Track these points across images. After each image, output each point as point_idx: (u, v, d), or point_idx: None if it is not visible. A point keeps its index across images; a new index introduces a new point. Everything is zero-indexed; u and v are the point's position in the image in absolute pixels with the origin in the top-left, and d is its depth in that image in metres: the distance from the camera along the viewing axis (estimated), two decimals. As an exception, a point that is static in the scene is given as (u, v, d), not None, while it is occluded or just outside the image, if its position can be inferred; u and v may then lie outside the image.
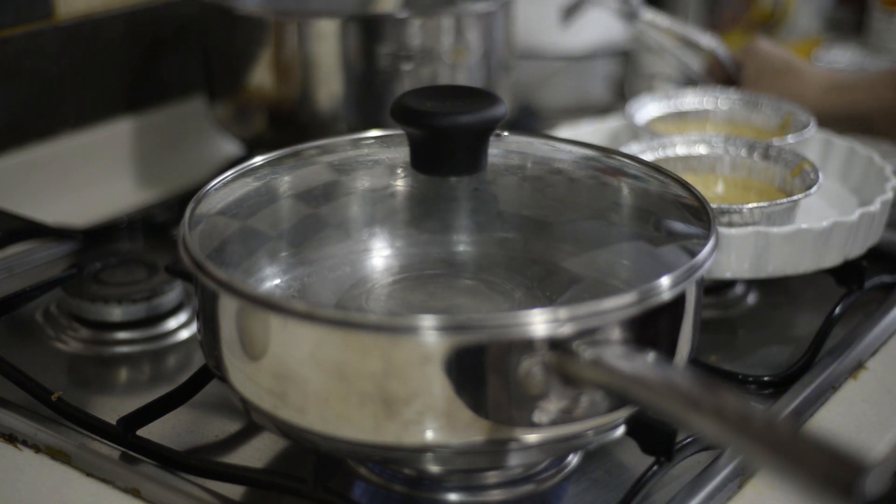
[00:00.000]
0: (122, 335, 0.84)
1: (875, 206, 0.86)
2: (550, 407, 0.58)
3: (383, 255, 0.81)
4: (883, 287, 0.90)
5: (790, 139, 0.94)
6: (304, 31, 1.00)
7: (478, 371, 0.57)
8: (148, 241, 0.98)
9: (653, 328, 0.61)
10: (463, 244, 0.82)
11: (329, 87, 1.01)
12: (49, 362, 0.81)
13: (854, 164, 0.97)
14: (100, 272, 0.88)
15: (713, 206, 0.85)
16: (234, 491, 0.66)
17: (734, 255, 0.82)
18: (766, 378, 0.78)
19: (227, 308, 0.62)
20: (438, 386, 0.57)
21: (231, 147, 1.16)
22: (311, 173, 0.78)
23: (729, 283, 0.91)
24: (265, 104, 1.04)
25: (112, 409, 0.74)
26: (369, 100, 1.01)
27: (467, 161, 0.72)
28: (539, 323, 0.58)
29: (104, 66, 1.11)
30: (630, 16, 1.21)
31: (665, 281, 0.60)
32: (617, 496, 0.66)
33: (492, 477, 0.67)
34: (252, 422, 0.68)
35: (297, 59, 1.01)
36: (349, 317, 0.59)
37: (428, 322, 0.69)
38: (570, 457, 0.69)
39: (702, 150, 0.93)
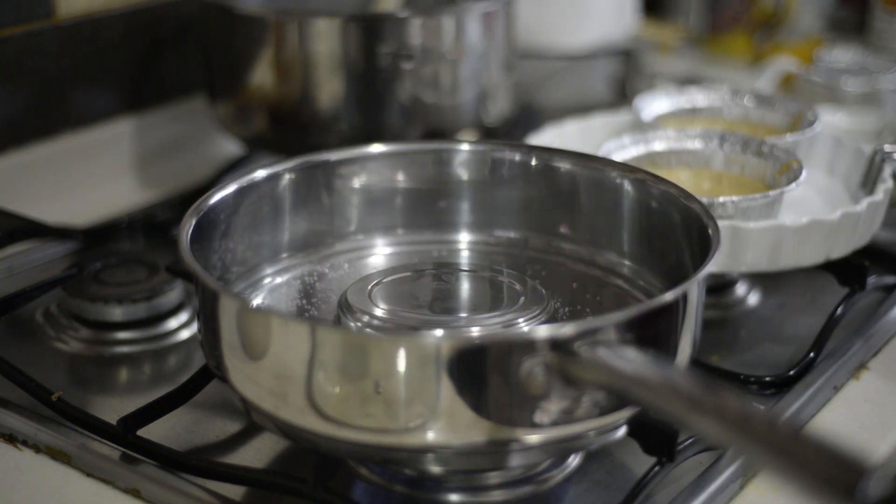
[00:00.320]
0: (122, 335, 0.84)
1: (860, 207, 0.85)
2: (552, 407, 0.58)
3: (384, 253, 0.81)
4: (884, 287, 0.90)
5: (788, 137, 0.94)
6: (305, 31, 1.00)
7: (479, 371, 0.57)
8: (148, 241, 0.98)
9: (654, 329, 0.61)
10: (463, 243, 0.82)
11: (329, 86, 1.01)
12: (49, 362, 0.81)
13: (860, 165, 0.97)
14: (100, 272, 0.88)
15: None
16: (234, 491, 0.66)
17: None
18: (767, 378, 0.78)
19: (228, 308, 0.62)
20: (440, 386, 0.57)
21: (231, 147, 1.16)
22: (312, 175, 0.78)
23: (730, 284, 0.91)
24: (266, 104, 1.04)
25: (112, 409, 0.74)
26: (370, 99, 1.01)
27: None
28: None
29: (104, 66, 1.10)
30: None
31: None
32: (618, 497, 0.66)
33: (493, 477, 0.67)
34: (252, 422, 0.68)
35: (297, 59, 1.01)
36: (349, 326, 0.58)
37: (429, 322, 0.70)
38: (572, 457, 0.69)
39: (697, 144, 0.92)
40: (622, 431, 0.64)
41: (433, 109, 1.03)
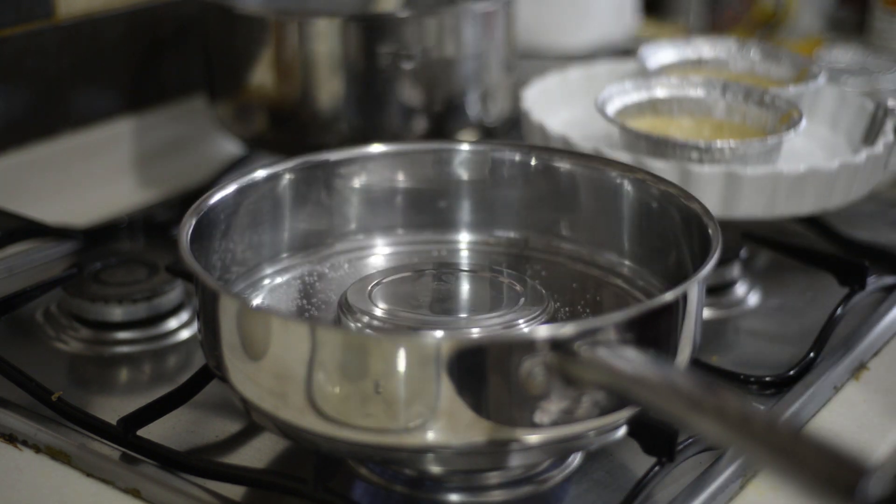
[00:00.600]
0: (122, 335, 0.84)
1: (859, 158, 0.83)
2: (552, 407, 0.58)
3: (384, 253, 0.81)
4: (884, 287, 0.90)
5: (792, 89, 0.93)
6: (305, 31, 1.00)
7: (479, 371, 0.57)
8: (148, 241, 0.98)
9: (654, 329, 0.61)
10: (463, 243, 0.82)
11: (329, 86, 1.01)
12: (49, 362, 0.81)
13: (864, 119, 0.95)
14: (100, 272, 0.88)
15: (683, 141, 0.85)
16: (234, 491, 0.66)
17: (703, 193, 0.81)
18: (767, 378, 0.78)
19: (228, 308, 0.62)
20: (440, 386, 0.57)
21: (231, 147, 1.16)
22: (312, 175, 0.78)
23: (730, 283, 0.91)
24: (266, 104, 1.04)
25: (112, 409, 0.74)
26: (370, 99, 1.01)
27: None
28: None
29: (104, 65, 1.10)
30: None
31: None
32: (618, 497, 0.66)
33: (493, 477, 0.67)
34: (252, 422, 0.68)
35: (297, 59, 1.01)
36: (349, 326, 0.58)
37: (429, 322, 0.70)
38: (572, 457, 0.69)
39: (699, 92, 0.92)
40: (622, 431, 0.64)
41: (433, 109, 1.03)
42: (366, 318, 0.69)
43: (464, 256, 0.81)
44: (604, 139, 0.95)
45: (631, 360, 0.56)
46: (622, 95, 0.89)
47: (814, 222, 1.00)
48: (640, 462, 0.67)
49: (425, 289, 0.73)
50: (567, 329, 0.57)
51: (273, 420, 0.62)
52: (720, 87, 0.91)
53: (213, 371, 0.66)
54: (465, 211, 0.82)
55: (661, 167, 0.84)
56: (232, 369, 0.63)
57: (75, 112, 1.09)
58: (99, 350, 0.83)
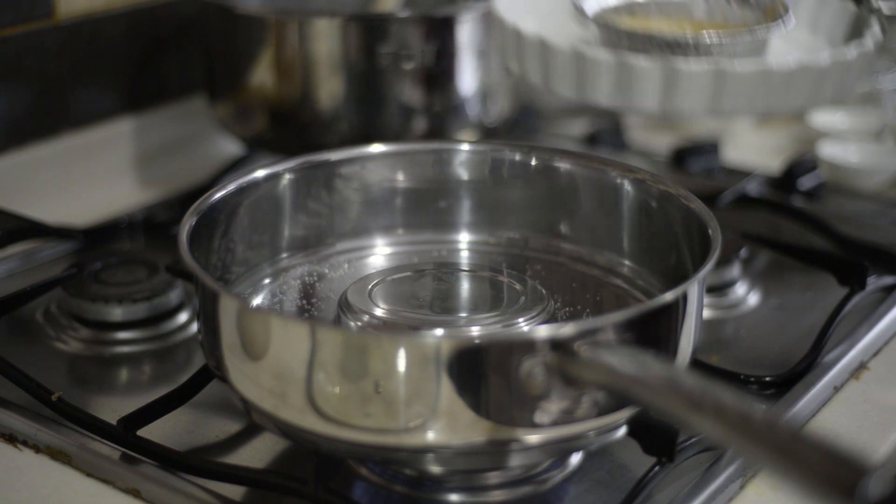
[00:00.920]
0: (122, 335, 0.84)
1: (850, 53, 0.80)
2: (552, 407, 0.58)
3: (384, 253, 0.81)
4: (884, 287, 0.90)
5: None
6: (305, 31, 1.00)
7: (479, 371, 0.57)
8: (148, 241, 0.98)
9: (654, 329, 0.61)
10: (463, 243, 0.82)
11: (330, 86, 1.01)
12: (49, 362, 0.81)
13: (845, 20, 0.92)
14: (100, 272, 0.88)
15: (669, 37, 0.81)
16: (234, 491, 0.66)
17: (690, 89, 0.78)
18: (767, 378, 0.78)
19: (228, 308, 0.62)
20: (440, 386, 0.57)
21: (232, 146, 1.16)
22: (312, 175, 0.78)
23: (730, 283, 0.91)
24: (266, 104, 1.04)
25: (112, 409, 0.74)
26: (370, 99, 1.01)
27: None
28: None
29: (104, 65, 1.10)
30: None
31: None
32: (618, 497, 0.66)
33: (493, 477, 0.67)
34: (252, 422, 0.68)
35: (297, 59, 1.01)
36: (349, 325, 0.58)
37: (429, 322, 0.69)
38: (572, 457, 0.69)
39: None
40: (622, 431, 0.64)
41: (433, 109, 1.03)
42: (366, 318, 0.69)
43: (464, 256, 0.81)
44: (581, 41, 0.91)
45: (631, 359, 0.56)
46: None
47: (814, 222, 1.00)
48: (640, 462, 0.67)
49: (425, 289, 0.73)
50: (567, 329, 0.57)
51: (273, 420, 0.62)
52: None
53: (213, 371, 0.66)
54: (465, 211, 0.82)
55: (646, 66, 0.80)
56: (232, 369, 0.63)
57: (75, 112, 1.09)
58: (99, 350, 0.83)
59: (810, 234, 0.99)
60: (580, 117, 1.25)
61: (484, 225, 0.82)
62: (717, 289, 0.90)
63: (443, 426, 0.58)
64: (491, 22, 0.99)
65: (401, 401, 0.58)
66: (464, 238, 0.82)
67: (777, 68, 0.77)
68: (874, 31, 0.86)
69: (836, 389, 0.79)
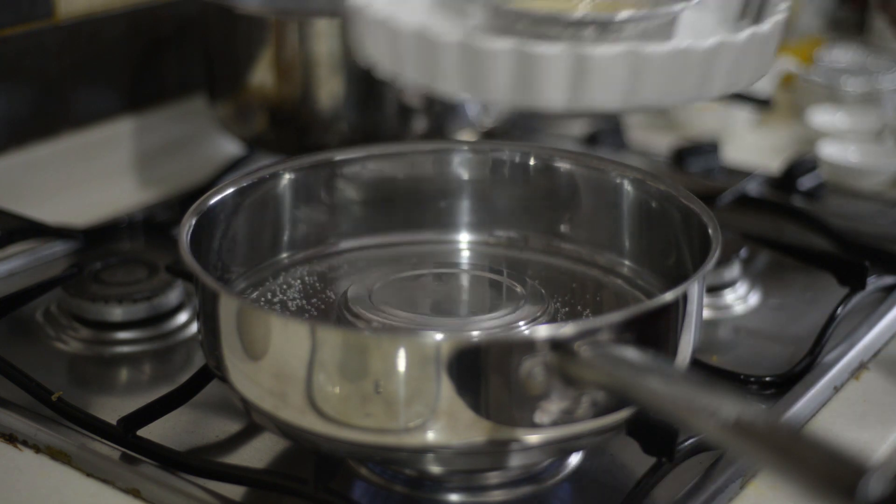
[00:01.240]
0: (122, 335, 0.84)
1: (765, 27, 0.70)
2: (552, 407, 0.58)
3: (385, 253, 0.81)
4: (884, 287, 0.90)
5: None
6: (305, 31, 1.00)
7: (479, 372, 0.57)
8: (148, 241, 0.98)
9: (654, 329, 0.61)
10: (463, 243, 0.82)
11: (330, 86, 1.01)
12: (49, 362, 0.81)
13: None
14: (100, 272, 0.88)
15: (576, 16, 0.71)
16: (234, 491, 0.66)
17: (603, 80, 0.66)
18: (767, 378, 0.78)
19: (228, 308, 0.62)
20: (440, 386, 0.57)
21: (232, 147, 1.16)
22: (312, 175, 0.78)
23: (730, 284, 0.91)
24: (266, 104, 1.04)
25: (112, 409, 0.74)
26: (370, 99, 1.01)
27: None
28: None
29: (104, 65, 1.10)
30: None
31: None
32: (618, 497, 0.66)
33: (493, 477, 0.67)
34: (252, 422, 0.68)
35: (297, 59, 1.01)
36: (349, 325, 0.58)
37: (429, 322, 0.69)
38: (572, 457, 0.69)
39: None
40: (622, 431, 0.64)
41: (433, 109, 1.03)
42: (366, 318, 0.69)
43: (464, 256, 0.81)
44: (469, 29, 0.74)
45: (631, 360, 0.56)
46: None
47: (814, 222, 1.00)
48: (640, 462, 0.67)
49: (425, 289, 0.73)
50: (567, 329, 0.57)
51: (273, 420, 0.62)
52: None
53: (213, 371, 0.66)
54: (465, 211, 0.82)
55: (553, 52, 0.66)
56: (232, 369, 0.63)
57: (75, 112, 1.09)
58: (99, 350, 0.83)
59: (810, 234, 0.99)
60: (580, 117, 1.25)
61: (484, 225, 0.82)
62: (717, 289, 0.90)
63: (443, 426, 0.58)
64: (345, 15, 0.79)
65: (401, 401, 0.58)
66: (464, 238, 0.82)
67: (697, 47, 0.66)
68: (776, 3, 0.75)
69: (836, 389, 0.79)
